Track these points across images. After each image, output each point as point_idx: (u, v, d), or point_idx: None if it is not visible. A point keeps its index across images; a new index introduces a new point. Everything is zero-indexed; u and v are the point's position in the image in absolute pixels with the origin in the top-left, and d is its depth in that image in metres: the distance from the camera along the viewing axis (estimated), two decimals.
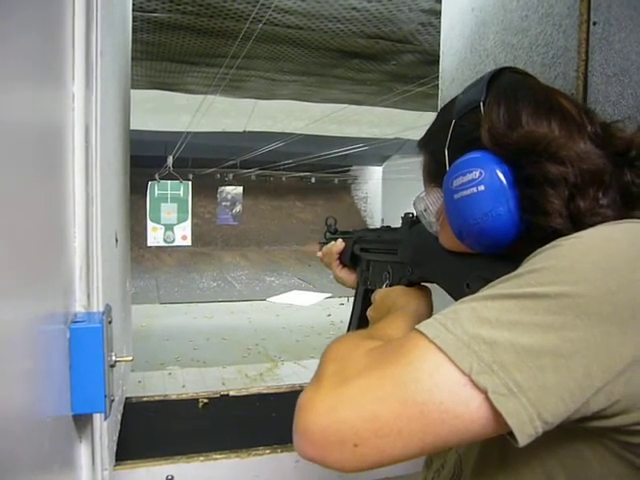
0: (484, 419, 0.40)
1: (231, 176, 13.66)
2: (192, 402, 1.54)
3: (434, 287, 0.77)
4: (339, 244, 1.08)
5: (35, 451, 0.57)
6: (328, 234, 1.16)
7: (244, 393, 1.63)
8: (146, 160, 7.93)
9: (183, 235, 8.31)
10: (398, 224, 0.89)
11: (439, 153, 0.62)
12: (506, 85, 0.60)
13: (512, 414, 0.39)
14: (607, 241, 0.45)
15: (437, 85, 1.60)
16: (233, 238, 15.45)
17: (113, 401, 0.81)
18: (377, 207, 15.03)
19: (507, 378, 0.39)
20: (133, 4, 2.17)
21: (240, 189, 12.65)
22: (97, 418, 0.84)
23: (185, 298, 9.82)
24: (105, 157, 0.89)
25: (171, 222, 8.16)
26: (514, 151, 0.54)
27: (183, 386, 3.69)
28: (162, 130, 8.05)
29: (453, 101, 0.66)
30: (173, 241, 8.31)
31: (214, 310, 8.74)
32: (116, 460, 1.15)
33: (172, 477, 1.15)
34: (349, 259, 1.06)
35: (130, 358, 0.95)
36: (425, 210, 0.69)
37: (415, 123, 6.53)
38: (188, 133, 8.01)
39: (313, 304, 8.93)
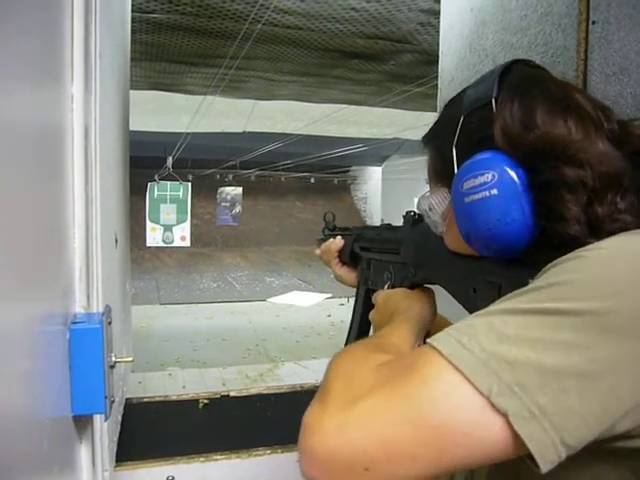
0: (504, 443, 0.38)
1: (231, 177, 13.65)
2: (192, 403, 1.54)
3: (438, 289, 0.75)
4: (338, 242, 1.05)
5: (35, 452, 0.57)
6: (326, 231, 1.13)
7: (244, 394, 1.63)
8: (145, 161, 7.92)
9: (182, 236, 8.30)
10: (398, 224, 0.88)
11: (446, 151, 0.59)
12: (519, 80, 0.56)
13: (534, 439, 0.37)
14: (631, 253, 0.42)
15: (436, 85, 1.60)
16: (233, 239, 15.45)
17: (113, 402, 0.81)
18: (377, 207, 15.02)
19: (529, 401, 0.37)
20: (132, 5, 2.17)
21: (240, 190, 12.64)
22: (97, 419, 0.84)
23: (185, 299, 9.82)
24: (104, 158, 0.89)
25: (170, 223, 8.15)
26: (529, 153, 0.51)
27: (183, 387, 3.69)
28: (161, 131, 8.05)
29: (461, 95, 0.62)
30: (172, 242, 8.31)
31: (214, 311, 8.74)
32: (117, 461, 1.15)
33: (173, 478, 1.15)
34: (349, 257, 1.04)
35: (130, 359, 0.95)
36: (430, 209, 0.65)
37: (415, 123, 6.53)
38: (187, 134, 8.01)
39: (313, 304, 8.92)
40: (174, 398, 1.58)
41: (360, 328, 0.96)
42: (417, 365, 0.41)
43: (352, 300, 1.02)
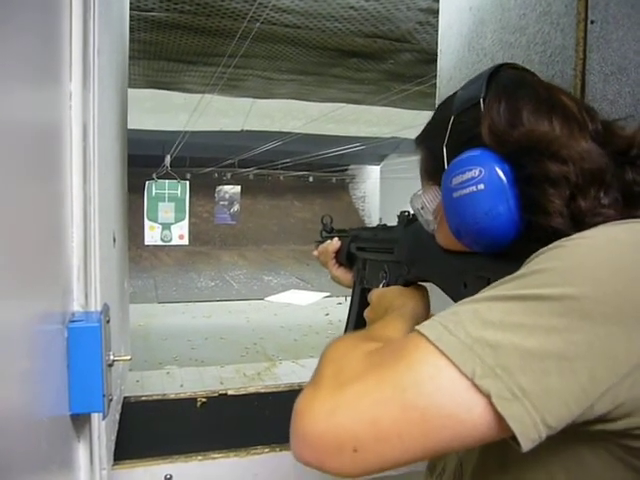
0: (487, 424, 0.40)
1: (229, 175, 13.64)
2: (190, 401, 1.54)
3: (431, 286, 0.76)
4: (335, 243, 1.07)
5: (33, 451, 0.57)
6: (324, 233, 1.15)
7: (242, 392, 1.63)
8: (144, 159, 7.91)
9: (180, 234, 8.30)
10: (394, 223, 0.89)
11: (437, 150, 0.62)
12: (506, 81, 0.59)
13: (516, 419, 0.38)
14: (611, 242, 0.44)
15: (435, 84, 1.60)
16: (231, 237, 15.44)
17: (111, 400, 0.81)
18: (375, 206, 15.02)
19: (511, 382, 0.39)
20: (130, 3, 2.17)
21: (238, 188, 12.64)
22: (95, 418, 0.84)
23: (183, 297, 9.81)
24: (103, 156, 0.89)
25: (168, 221, 8.15)
26: (515, 149, 0.53)
27: (181, 385, 3.68)
28: (160, 129, 8.03)
29: (452, 97, 0.65)
30: (170, 240, 8.31)
31: (212, 309, 8.73)
32: (114, 460, 1.15)
33: (171, 476, 1.15)
34: (345, 258, 1.06)
35: (128, 357, 0.95)
36: (422, 208, 0.68)
37: (413, 122, 6.53)
38: (186, 132, 8.00)
39: (311, 303, 8.93)
40: (172, 397, 1.58)
41: (356, 327, 0.97)
42: (405, 350, 0.43)
43: (349, 299, 1.03)
